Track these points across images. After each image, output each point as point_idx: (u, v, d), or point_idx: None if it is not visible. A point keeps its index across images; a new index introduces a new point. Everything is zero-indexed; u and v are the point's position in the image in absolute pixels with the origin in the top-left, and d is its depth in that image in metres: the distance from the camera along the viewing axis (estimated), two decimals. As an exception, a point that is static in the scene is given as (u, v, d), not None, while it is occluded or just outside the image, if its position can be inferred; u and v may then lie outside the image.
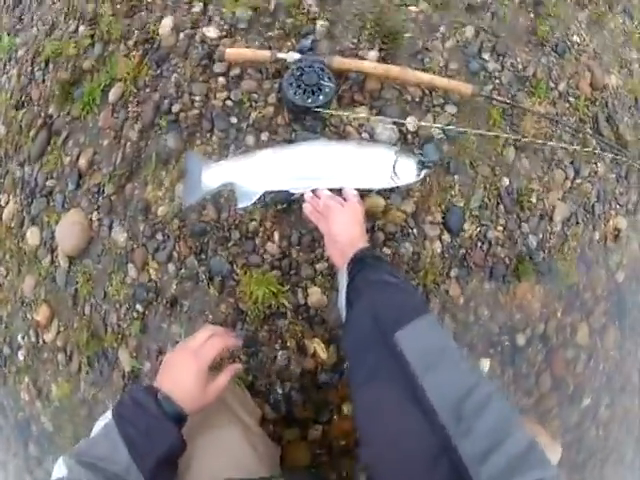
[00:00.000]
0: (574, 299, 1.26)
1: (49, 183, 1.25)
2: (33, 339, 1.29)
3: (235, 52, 1.04)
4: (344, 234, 0.86)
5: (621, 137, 1.42)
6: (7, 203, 1.36)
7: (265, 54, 1.03)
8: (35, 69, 1.37)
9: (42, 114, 1.30)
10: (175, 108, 1.09)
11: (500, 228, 1.11)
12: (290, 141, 1.03)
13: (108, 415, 0.66)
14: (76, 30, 1.34)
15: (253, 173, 0.97)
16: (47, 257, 1.24)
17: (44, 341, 1.26)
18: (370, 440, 0.57)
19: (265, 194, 0.98)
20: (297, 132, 1.03)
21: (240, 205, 0.97)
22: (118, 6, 1.28)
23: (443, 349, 0.58)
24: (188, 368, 0.70)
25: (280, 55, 1.02)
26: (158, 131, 1.10)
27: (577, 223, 1.25)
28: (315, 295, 1.00)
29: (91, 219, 1.16)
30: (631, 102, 1.54)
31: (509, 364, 1.17)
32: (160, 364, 0.74)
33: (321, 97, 1.00)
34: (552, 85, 1.27)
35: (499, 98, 1.12)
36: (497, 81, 1.18)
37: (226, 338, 0.78)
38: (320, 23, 1.11)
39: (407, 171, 0.97)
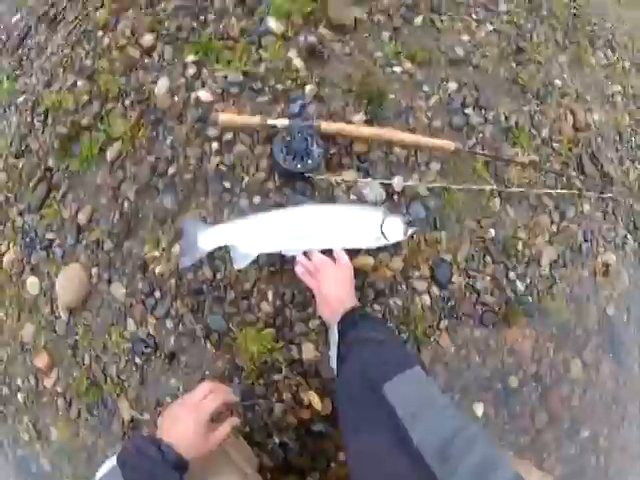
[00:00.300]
0: (565, 337, 1.26)
1: (49, 235, 1.28)
2: (33, 383, 1.29)
3: (228, 118, 1.07)
4: (334, 293, 0.89)
5: (606, 174, 1.43)
6: (8, 250, 1.36)
7: (256, 120, 1.06)
8: (35, 119, 1.40)
9: (42, 166, 1.33)
10: (171, 170, 1.14)
11: (488, 278, 1.12)
12: (281, 204, 1.05)
13: (112, 461, 0.67)
14: (74, 84, 1.38)
15: (247, 236, 1.00)
16: (47, 307, 1.26)
17: (44, 386, 1.27)
18: None
19: (259, 256, 1.01)
20: (288, 196, 1.06)
21: (236, 266, 1.00)
22: (116, 63, 1.33)
23: (428, 397, 0.61)
24: (189, 421, 0.73)
25: (270, 121, 1.05)
26: (154, 192, 1.14)
27: (564, 265, 1.25)
28: (309, 351, 1.03)
29: (90, 273, 1.19)
30: (615, 137, 1.54)
31: (503, 406, 1.17)
32: (159, 415, 0.77)
33: (310, 162, 1.03)
34: (535, 132, 1.28)
35: (482, 152, 1.14)
36: (480, 135, 1.20)
37: (224, 394, 0.80)
38: (308, 87, 1.14)
39: (394, 230, 0.99)
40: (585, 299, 1.31)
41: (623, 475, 1.47)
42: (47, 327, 1.27)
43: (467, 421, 0.57)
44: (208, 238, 1.01)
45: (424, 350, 1.06)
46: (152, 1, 1.41)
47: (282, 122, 1.06)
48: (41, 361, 1.26)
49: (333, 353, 0.83)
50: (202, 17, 1.32)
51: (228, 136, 1.12)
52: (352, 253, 1.01)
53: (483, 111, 1.22)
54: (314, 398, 1.03)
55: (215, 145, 1.12)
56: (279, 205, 1.06)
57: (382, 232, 0.98)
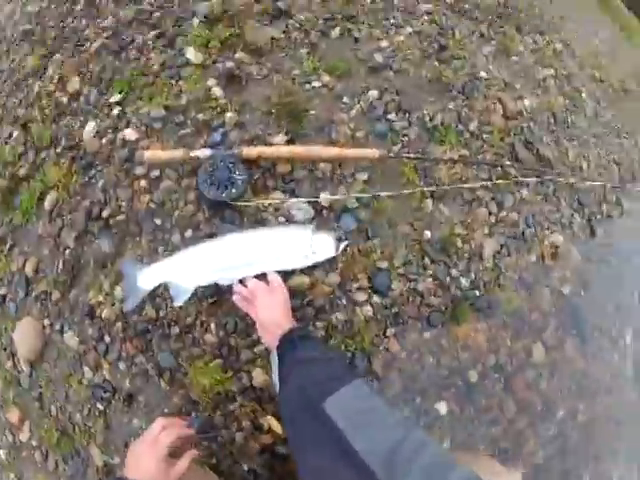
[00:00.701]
0: (521, 323, 1.22)
1: (1, 291, 1.24)
2: (10, 439, 1.26)
3: (152, 154, 1.05)
4: (270, 317, 0.87)
5: (543, 157, 1.38)
6: None
7: (179, 154, 1.04)
8: None
9: None
10: (104, 213, 1.11)
11: (429, 279, 1.08)
12: (213, 235, 1.01)
13: None
14: (10, 135, 1.35)
15: (182, 271, 0.97)
16: (9, 361, 1.23)
17: (20, 440, 1.23)
18: None
19: (197, 289, 0.98)
20: (217, 226, 1.03)
21: (176, 303, 0.98)
22: (46, 111, 1.30)
23: (370, 408, 0.60)
24: (149, 457, 0.74)
25: (193, 153, 1.03)
26: (91, 237, 1.12)
27: (509, 254, 1.21)
28: (259, 376, 1.00)
29: (43, 325, 1.15)
30: (549, 119, 1.51)
31: (467, 401, 1.14)
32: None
33: (234, 190, 1.01)
34: (462, 128, 1.23)
35: (407, 155, 1.09)
36: (405, 138, 1.17)
37: (178, 429, 0.81)
38: (229, 115, 1.11)
39: (325, 246, 0.97)
40: (536, 283, 1.26)
41: (611, 442, 1.42)
42: (12, 381, 1.24)
43: (413, 427, 0.56)
44: (147, 278, 0.98)
45: (375, 360, 1.02)
46: (77, 43, 1.40)
47: (205, 153, 1.03)
48: (13, 416, 1.23)
49: (275, 377, 0.80)
50: (124, 54, 1.30)
51: (155, 173, 1.09)
52: (287, 274, 0.98)
53: (407, 114, 1.18)
54: (273, 422, 0.99)
55: (143, 183, 1.09)
56: (210, 236, 1.02)
57: (313, 250, 0.94)
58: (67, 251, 1.14)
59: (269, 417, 0.99)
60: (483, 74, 1.41)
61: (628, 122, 1.88)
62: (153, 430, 0.78)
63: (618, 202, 1.61)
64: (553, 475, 1.31)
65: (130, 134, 1.14)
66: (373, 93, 1.18)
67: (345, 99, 1.16)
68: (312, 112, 1.12)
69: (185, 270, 0.96)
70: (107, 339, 1.07)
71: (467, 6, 1.64)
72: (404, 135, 1.16)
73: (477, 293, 1.16)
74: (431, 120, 1.21)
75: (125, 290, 1.03)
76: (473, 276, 1.16)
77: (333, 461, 0.55)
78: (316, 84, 1.17)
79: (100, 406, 1.09)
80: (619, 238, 1.57)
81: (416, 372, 1.08)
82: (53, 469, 1.19)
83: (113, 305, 1.07)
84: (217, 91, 1.15)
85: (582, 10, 2.47)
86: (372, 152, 1.06)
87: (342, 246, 0.97)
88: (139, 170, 1.10)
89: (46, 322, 1.15)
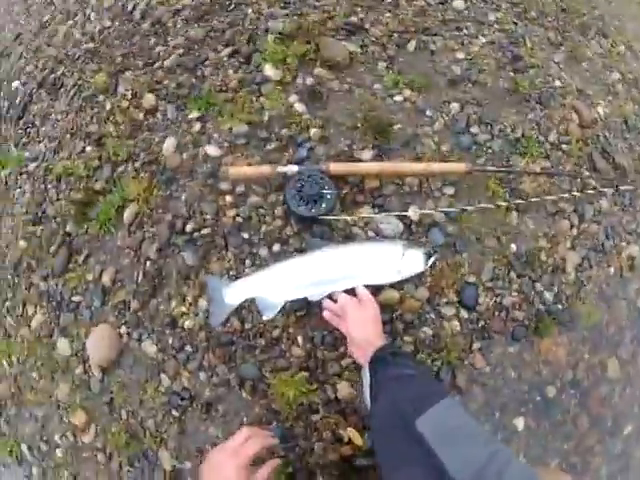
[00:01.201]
0: (599, 338, 1.12)
1: (75, 298, 1.18)
2: (71, 439, 1.18)
3: (237, 171, 1.01)
4: (361, 334, 0.83)
5: (618, 166, 1.27)
6: (35, 313, 1.25)
7: (266, 170, 0.98)
8: (48, 186, 1.31)
9: (60, 231, 1.24)
10: (189, 227, 1.06)
11: (515, 293, 1.01)
12: (301, 250, 0.98)
13: None
14: (83, 150, 1.29)
15: (271, 286, 0.93)
16: (79, 367, 1.16)
17: (82, 442, 1.16)
18: None
19: (285, 303, 0.93)
20: (307, 241, 0.98)
21: (264, 317, 0.93)
22: (121, 126, 1.24)
23: (460, 427, 0.58)
24: (230, 466, 0.69)
25: (280, 169, 0.98)
26: (175, 249, 1.07)
27: (590, 266, 1.12)
28: (344, 389, 0.95)
29: (120, 332, 1.11)
30: (621, 126, 1.38)
31: (543, 417, 1.06)
32: (200, 463, 0.73)
33: (323, 205, 0.95)
34: (542, 139, 1.14)
35: (492, 168, 1.02)
36: (489, 150, 1.08)
37: (263, 439, 0.76)
38: (313, 131, 1.06)
39: (415, 262, 0.91)
40: (614, 296, 1.17)
41: None
42: (81, 386, 1.17)
43: (500, 446, 0.55)
44: (234, 294, 0.93)
45: (459, 374, 0.96)
46: (148, 61, 1.33)
47: (291, 169, 0.98)
48: (78, 419, 1.16)
49: (366, 394, 0.76)
50: (199, 72, 1.25)
51: (240, 189, 1.04)
52: (376, 289, 0.92)
53: (489, 127, 1.10)
54: (354, 434, 0.94)
55: (229, 198, 1.04)
56: (299, 251, 0.98)
57: (403, 265, 0.89)
58: (148, 263, 1.09)
59: (350, 429, 0.94)
60: (558, 83, 1.29)
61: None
62: (237, 439, 0.73)
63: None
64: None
65: (213, 150, 1.09)
66: (454, 106, 1.10)
67: (428, 112, 1.08)
68: (397, 126, 1.05)
69: (274, 285, 0.91)
70: (189, 348, 1.02)
71: (533, 13, 1.53)
72: (487, 148, 1.07)
73: (560, 307, 1.08)
74: (513, 132, 1.11)
75: (211, 305, 0.97)
76: (556, 289, 1.07)
77: (425, 478, 0.53)
78: (398, 98, 1.09)
79: (176, 412, 1.03)
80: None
81: (498, 387, 1.00)
82: (117, 470, 1.11)
83: (197, 315, 1.02)
84: (299, 107, 1.09)
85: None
86: (459, 166, 0.99)
87: (431, 261, 0.90)
88: (224, 185, 1.05)
89: (123, 329, 1.10)
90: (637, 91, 1.59)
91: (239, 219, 1.03)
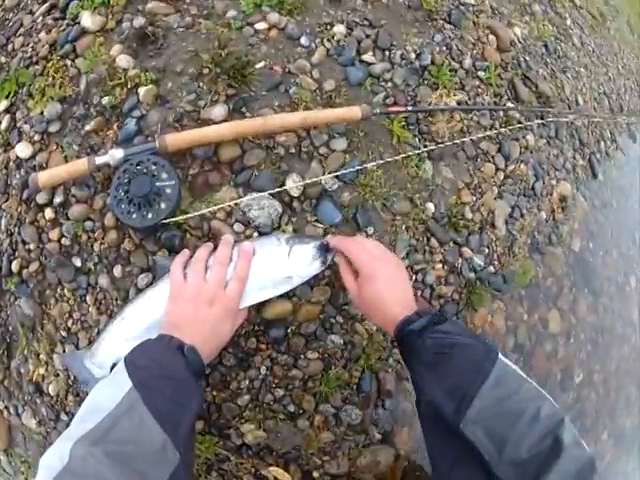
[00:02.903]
0: (536, 293, 0.79)
1: None
2: None
3: (47, 175, 0.53)
4: (393, 295, 0.49)
5: (542, 94, 0.87)
6: None
7: (81, 166, 0.52)
8: None
9: None
10: (15, 266, 0.60)
11: (439, 265, 0.63)
12: (148, 269, 0.55)
13: (117, 381, 0.38)
14: None
15: (134, 333, 0.51)
16: None
17: None
18: None
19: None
20: (154, 261, 0.54)
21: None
22: None
23: (506, 417, 0.36)
24: (227, 325, 0.47)
25: (98, 161, 0.52)
26: (10, 297, 0.62)
27: (522, 215, 0.75)
28: (250, 433, 0.57)
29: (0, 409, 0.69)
30: (541, 50, 0.96)
31: None
32: None
33: (162, 205, 0.50)
34: (456, 65, 0.72)
35: (396, 109, 0.59)
36: (389, 84, 0.64)
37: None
38: (143, 90, 0.57)
39: (308, 261, 0.50)
40: (547, 244, 0.82)
41: (624, 393, 1.05)
42: None
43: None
44: (100, 361, 0.53)
45: (385, 377, 0.60)
46: None
47: (114, 155, 0.51)
48: None
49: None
50: (10, 45, 0.71)
51: (59, 198, 0.57)
52: (259, 305, 0.52)
53: (387, 53, 0.65)
54: (278, 472, 0.59)
55: (49, 213, 0.58)
56: (145, 270, 0.55)
57: (292, 268, 0.49)
58: None
59: (272, 468, 0.58)
60: (469, -1, 0.86)
61: (609, 49, 1.33)
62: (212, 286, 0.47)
63: (613, 138, 1.13)
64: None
65: (22, 149, 0.60)
66: (339, 29, 0.62)
67: (303, 40, 0.60)
68: (259, 65, 0.59)
69: (136, 332, 0.51)
70: (64, 417, 0.62)
71: None
72: (386, 80, 0.62)
73: (492, 270, 0.73)
74: (418, 58, 0.67)
75: (81, 382, 0.57)
76: (487, 250, 0.72)
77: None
78: (261, 26, 0.60)
79: None
80: (617, 176, 1.12)
81: None
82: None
83: (58, 377, 0.61)
84: (124, 60, 0.59)
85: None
86: (352, 111, 0.55)
87: (331, 256, 0.50)
88: (41, 198, 0.57)
89: (1, 404, 0.69)
90: (554, 13, 1.17)
91: (65, 241, 0.57)
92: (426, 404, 0.42)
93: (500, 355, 0.40)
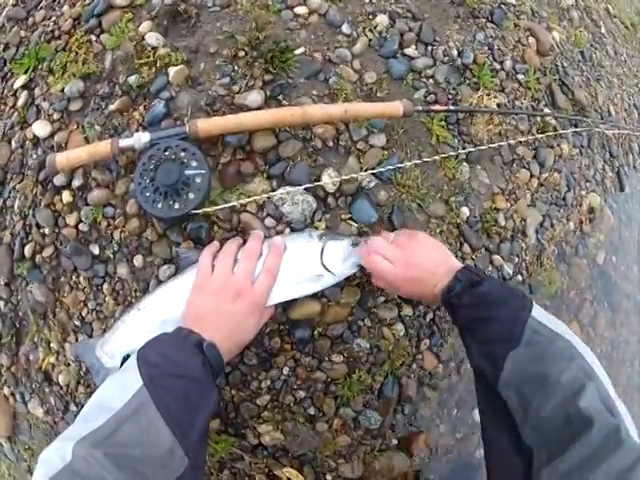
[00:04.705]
0: (559, 304, 0.77)
1: None
2: None
3: (65, 157, 0.49)
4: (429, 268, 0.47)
5: (577, 102, 0.84)
6: None
7: (104, 148, 0.49)
8: None
9: None
10: (28, 250, 0.57)
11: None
12: (170, 260, 0.51)
13: (127, 377, 0.35)
14: None
15: (150, 325, 0.48)
16: None
17: None
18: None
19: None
20: (178, 250, 0.50)
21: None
22: None
23: (536, 378, 0.36)
24: (252, 321, 0.44)
25: (122, 144, 0.48)
26: (22, 282, 0.59)
27: (552, 225, 0.73)
28: (267, 434, 0.55)
29: (5, 395, 0.67)
30: (577, 56, 0.93)
31: None
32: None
33: (191, 195, 0.47)
34: (497, 66, 0.68)
35: (439, 108, 0.56)
36: (431, 80, 0.61)
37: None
38: (173, 71, 0.54)
39: (341, 259, 0.47)
40: (574, 255, 0.80)
41: (634, 407, 1.03)
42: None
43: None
44: (111, 352, 0.50)
45: (408, 383, 0.58)
46: None
47: (140, 139, 0.47)
48: None
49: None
50: (30, 19, 0.67)
51: (78, 181, 0.53)
52: (288, 303, 0.49)
53: (429, 48, 0.62)
54: (291, 473, 0.57)
55: (66, 197, 0.54)
56: (168, 261, 0.51)
57: (325, 267, 0.46)
58: (2, 303, 0.61)
59: (286, 469, 0.57)
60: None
61: (639, 60, 1.30)
62: (239, 280, 0.45)
63: (641, 150, 1.11)
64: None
65: (40, 128, 0.56)
66: (382, 19, 0.58)
67: (345, 29, 0.56)
68: (299, 51, 0.54)
69: (152, 323, 0.48)
70: (73, 408, 0.60)
71: None
72: (428, 77, 0.59)
73: (520, 279, 0.71)
74: (460, 55, 0.63)
75: (92, 373, 0.53)
76: (516, 259, 0.70)
77: (507, 447, 0.36)
78: (301, 10, 0.56)
79: None
80: (642, 190, 1.09)
81: (453, 384, 0.63)
82: None
83: (69, 366, 0.58)
84: (153, 38, 0.55)
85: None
86: (394, 107, 0.50)
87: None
88: (59, 180, 0.54)
89: (6, 391, 0.66)
90: (590, 21, 1.13)
91: (83, 227, 0.54)
92: (474, 368, 0.44)
93: (534, 310, 0.39)
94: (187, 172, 0.47)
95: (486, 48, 0.69)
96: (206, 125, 0.49)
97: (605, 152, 0.90)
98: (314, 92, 0.54)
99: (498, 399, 0.38)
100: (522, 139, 0.64)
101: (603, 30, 1.10)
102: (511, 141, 0.64)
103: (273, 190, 0.51)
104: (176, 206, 0.47)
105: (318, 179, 0.51)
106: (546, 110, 0.75)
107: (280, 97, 0.53)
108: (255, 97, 0.52)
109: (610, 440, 0.30)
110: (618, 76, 1.06)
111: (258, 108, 0.52)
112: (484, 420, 0.43)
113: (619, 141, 0.96)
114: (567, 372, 0.34)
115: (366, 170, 0.53)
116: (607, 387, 0.34)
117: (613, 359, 0.89)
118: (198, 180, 0.47)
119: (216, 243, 0.48)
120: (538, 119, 0.72)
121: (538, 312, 0.40)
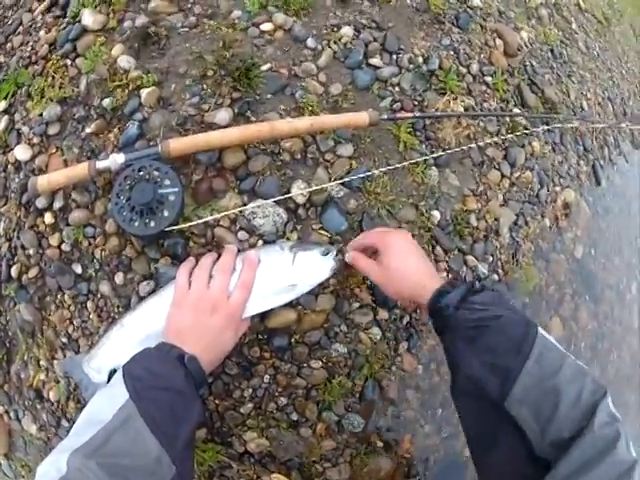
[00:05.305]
0: (539, 300, 0.78)
1: None
2: None
3: (47, 180, 0.51)
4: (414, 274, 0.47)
5: (548, 100, 0.86)
6: None
7: (81, 170, 0.50)
8: None
9: None
10: (14, 272, 0.59)
11: (443, 274, 0.62)
12: (151, 277, 0.53)
13: (114, 391, 0.37)
14: None
15: (133, 341, 0.50)
16: None
17: None
18: None
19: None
20: (157, 269, 0.52)
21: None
22: None
23: (549, 397, 0.34)
24: (230, 334, 0.46)
25: (100, 165, 0.50)
26: (10, 302, 0.61)
27: (526, 222, 0.74)
28: (253, 441, 0.56)
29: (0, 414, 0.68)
30: (547, 54, 0.94)
31: None
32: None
33: (166, 213, 0.49)
34: (463, 70, 0.70)
35: (405, 115, 0.58)
36: (397, 89, 0.63)
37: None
38: (145, 92, 0.56)
39: (312, 268, 0.49)
40: (551, 251, 0.81)
41: (622, 398, 1.04)
42: None
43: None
44: (98, 367, 0.52)
45: (388, 385, 0.59)
46: None
47: (115, 160, 0.49)
48: None
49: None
50: (9, 44, 0.69)
51: (59, 202, 0.55)
52: (261, 316, 0.51)
53: (395, 57, 0.63)
54: (280, 478, 0.58)
55: (48, 218, 0.56)
56: (147, 277, 0.53)
57: (298, 276, 0.48)
58: None
59: (274, 475, 0.58)
60: (477, 1, 0.85)
61: (613, 53, 1.32)
62: (215, 293, 0.46)
63: (617, 144, 1.12)
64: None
65: (21, 152, 0.58)
66: (347, 31, 0.60)
67: (310, 43, 0.58)
68: (265, 67, 0.57)
69: (137, 338, 0.49)
70: (65, 424, 0.61)
71: None
72: (394, 85, 0.60)
73: (496, 277, 0.72)
74: (426, 62, 0.65)
75: (81, 389, 0.55)
76: (491, 258, 0.71)
77: (519, 460, 0.34)
78: (266, 26, 0.59)
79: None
80: (619, 182, 1.11)
81: (435, 385, 0.63)
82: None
83: (58, 383, 0.59)
84: (125, 61, 0.57)
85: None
86: (359, 117, 0.52)
87: (334, 262, 0.49)
88: (40, 202, 0.56)
89: (0, 409, 0.68)
90: (560, 17, 1.15)
91: (65, 247, 0.56)
92: (465, 378, 0.39)
93: (539, 329, 0.38)
94: (161, 191, 0.49)
95: (452, 53, 0.70)
96: (177, 145, 0.50)
97: (579, 147, 0.92)
98: (281, 107, 0.56)
99: (501, 416, 0.34)
100: (489, 140, 0.66)
101: (574, 26, 1.12)
102: (479, 143, 0.66)
103: (245, 204, 0.52)
104: (152, 224, 0.48)
105: (288, 191, 0.53)
106: (515, 110, 0.76)
107: (248, 113, 0.55)
108: (223, 115, 0.54)
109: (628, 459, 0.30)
110: (591, 70, 1.07)
111: (227, 126, 0.53)
112: (482, 439, 0.38)
113: (593, 135, 0.97)
114: (586, 387, 0.34)
115: (335, 180, 0.54)
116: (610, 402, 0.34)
117: (599, 350, 0.90)
118: (172, 198, 0.49)
119: (192, 259, 0.50)
120: (507, 120, 0.74)
121: (543, 331, 0.38)
